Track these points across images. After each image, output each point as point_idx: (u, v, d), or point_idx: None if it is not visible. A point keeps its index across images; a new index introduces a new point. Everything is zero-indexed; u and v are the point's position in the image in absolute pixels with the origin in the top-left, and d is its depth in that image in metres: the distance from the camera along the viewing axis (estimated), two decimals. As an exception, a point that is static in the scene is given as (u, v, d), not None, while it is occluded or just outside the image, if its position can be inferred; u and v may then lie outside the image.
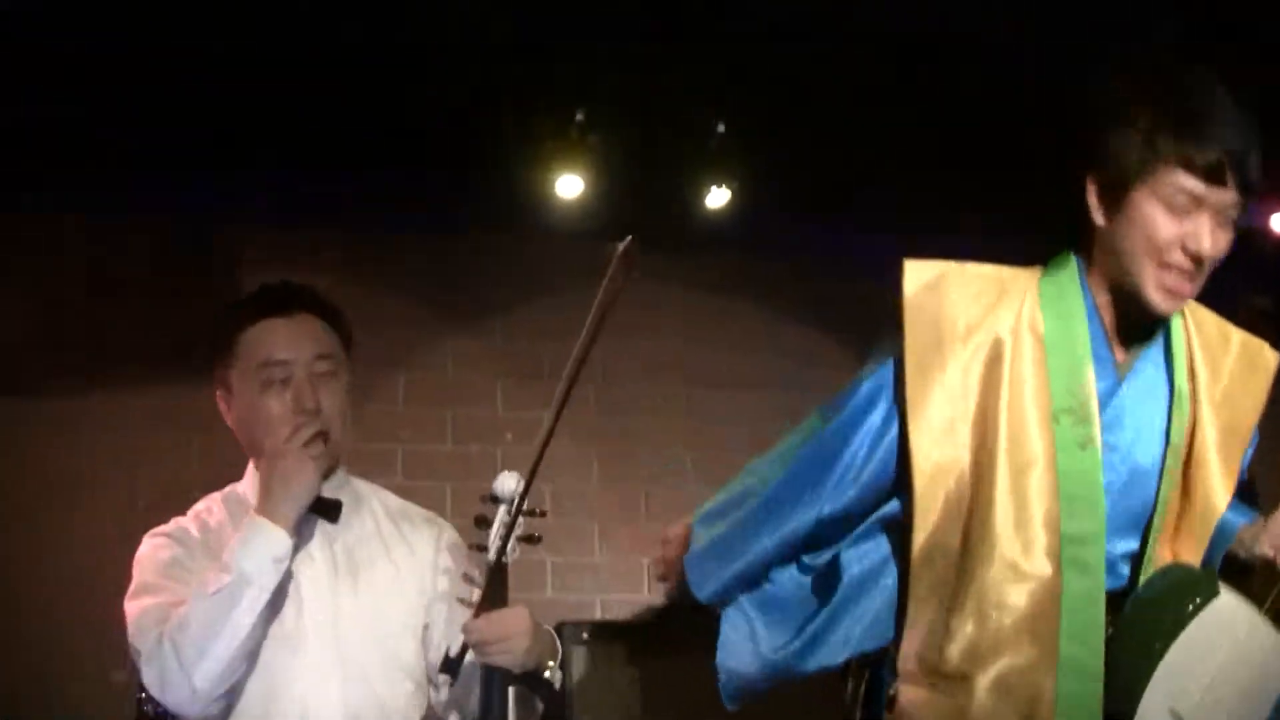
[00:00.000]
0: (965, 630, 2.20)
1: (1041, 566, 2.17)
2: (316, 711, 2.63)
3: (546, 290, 5.18)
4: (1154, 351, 2.30)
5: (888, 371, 2.48)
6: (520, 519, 2.56)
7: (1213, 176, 2.10)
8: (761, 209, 5.03)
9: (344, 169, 4.74)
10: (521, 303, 5.15)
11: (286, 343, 2.74)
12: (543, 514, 2.66)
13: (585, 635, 4.39)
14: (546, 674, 2.66)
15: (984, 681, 2.17)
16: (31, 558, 4.65)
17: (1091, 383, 2.22)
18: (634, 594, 5.11)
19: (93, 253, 4.95)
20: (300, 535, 2.69)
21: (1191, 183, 2.10)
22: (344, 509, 2.78)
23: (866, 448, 2.40)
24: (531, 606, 4.51)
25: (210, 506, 2.82)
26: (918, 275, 2.42)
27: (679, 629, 4.54)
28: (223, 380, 2.77)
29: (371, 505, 2.90)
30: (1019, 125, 4.91)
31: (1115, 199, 2.17)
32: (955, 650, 2.20)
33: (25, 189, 4.70)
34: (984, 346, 2.30)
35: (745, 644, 2.58)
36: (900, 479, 2.33)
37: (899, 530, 2.34)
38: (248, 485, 2.82)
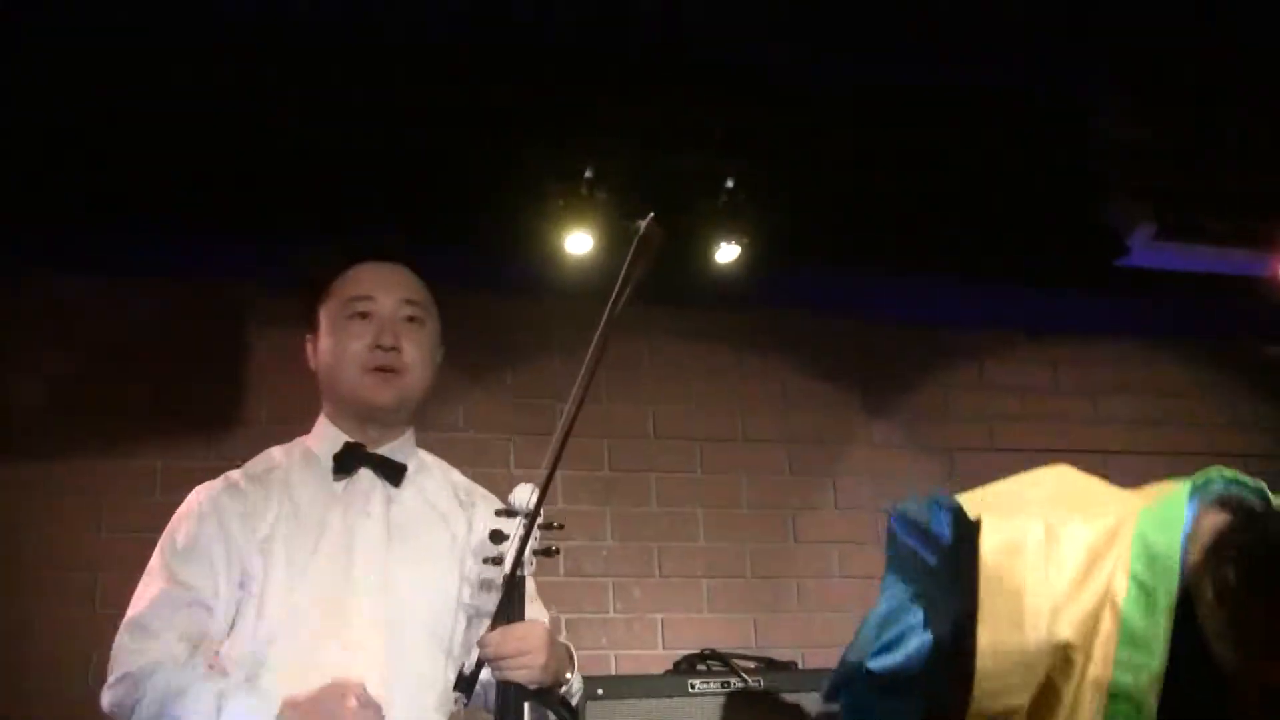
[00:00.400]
0: None
1: None
2: (356, 672, 2.59)
3: (558, 348, 5.20)
4: None
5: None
6: (537, 531, 2.57)
7: None
8: (771, 264, 5.04)
9: (351, 229, 4.76)
10: (533, 360, 5.16)
11: (375, 282, 2.87)
12: (560, 526, 2.70)
13: (600, 691, 4.38)
14: (563, 689, 2.65)
15: None
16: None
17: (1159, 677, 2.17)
18: (647, 649, 5.09)
19: (93, 313, 4.95)
20: (363, 492, 2.78)
21: None
22: (407, 473, 2.85)
23: None
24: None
25: (273, 456, 2.88)
26: (997, 535, 2.34)
27: (692, 685, 4.55)
28: (313, 319, 2.89)
29: (434, 475, 2.96)
30: (1026, 178, 4.98)
31: None
32: None
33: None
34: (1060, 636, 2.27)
35: None
36: None
37: None
38: (316, 437, 2.89)
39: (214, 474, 4.66)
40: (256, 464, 2.87)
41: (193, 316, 4.99)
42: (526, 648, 2.52)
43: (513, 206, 4.63)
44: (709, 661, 4.57)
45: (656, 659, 5.02)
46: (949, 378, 5.79)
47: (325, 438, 2.87)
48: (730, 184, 4.66)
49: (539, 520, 2.57)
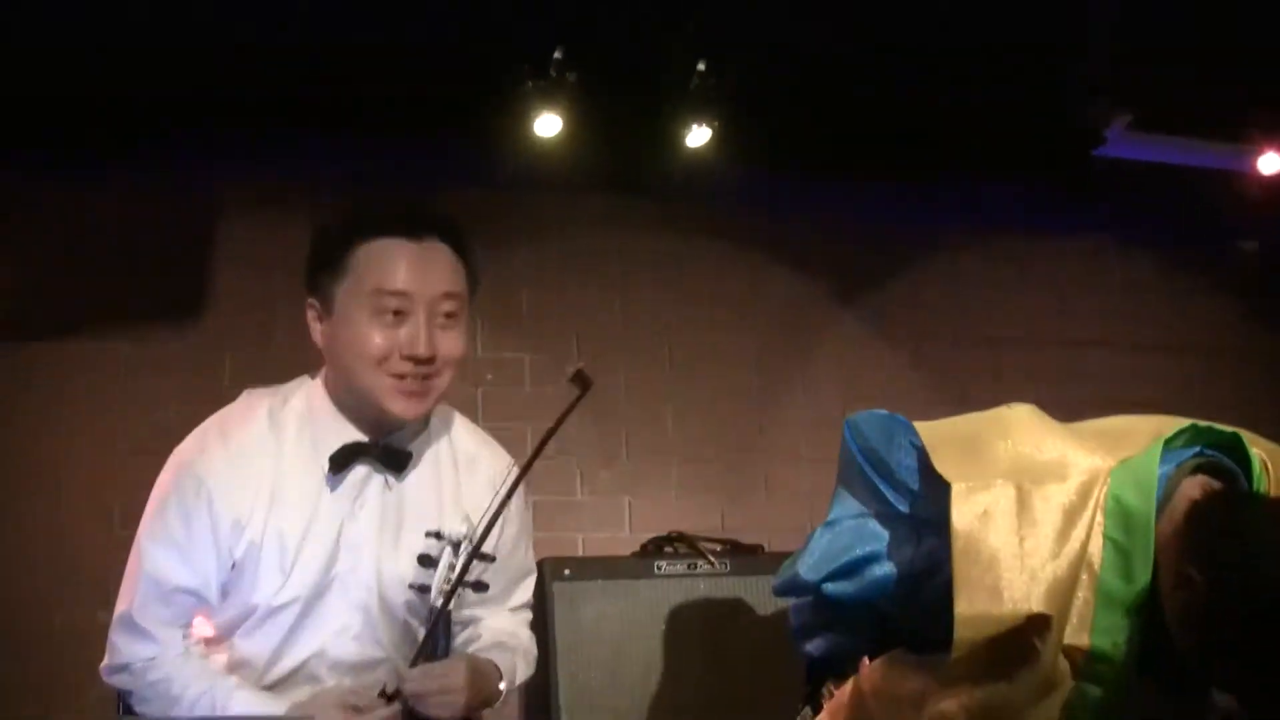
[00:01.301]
0: None
1: None
2: (331, 658, 2.63)
3: (525, 235, 5.18)
4: None
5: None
6: (471, 563, 2.47)
7: None
8: (742, 155, 5.01)
9: (318, 124, 4.73)
10: (501, 247, 5.13)
11: (410, 273, 2.52)
12: (492, 558, 2.54)
13: (567, 572, 4.40)
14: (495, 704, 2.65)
15: None
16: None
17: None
18: (615, 532, 5.12)
19: (68, 205, 4.90)
20: (359, 482, 2.66)
21: None
22: (409, 462, 2.69)
23: None
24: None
25: (283, 402, 2.68)
26: (969, 503, 2.30)
27: (659, 566, 4.58)
28: (323, 293, 2.57)
29: (440, 453, 2.77)
30: (1001, 70, 4.95)
31: None
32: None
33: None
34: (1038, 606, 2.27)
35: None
36: None
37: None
38: (318, 423, 2.67)
39: (179, 360, 4.72)
40: (254, 422, 2.65)
41: (159, 204, 4.95)
42: (448, 686, 2.48)
43: (481, 88, 4.58)
44: (675, 544, 4.59)
45: (623, 542, 5.05)
46: (919, 270, 5.79)
47: (328, 429, 2.65)
48: (702, 67, 4.61)
49: (474, 551, 2.48)
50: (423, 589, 2.48)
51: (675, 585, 4.47)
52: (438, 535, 2.49)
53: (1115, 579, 2.18)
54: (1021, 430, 2.43)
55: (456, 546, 2.48)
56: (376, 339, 2.50)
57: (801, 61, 4.76)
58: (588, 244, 5.36)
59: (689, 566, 4.50)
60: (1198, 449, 2.29)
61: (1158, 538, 2.17)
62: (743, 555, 4.56)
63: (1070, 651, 2.19)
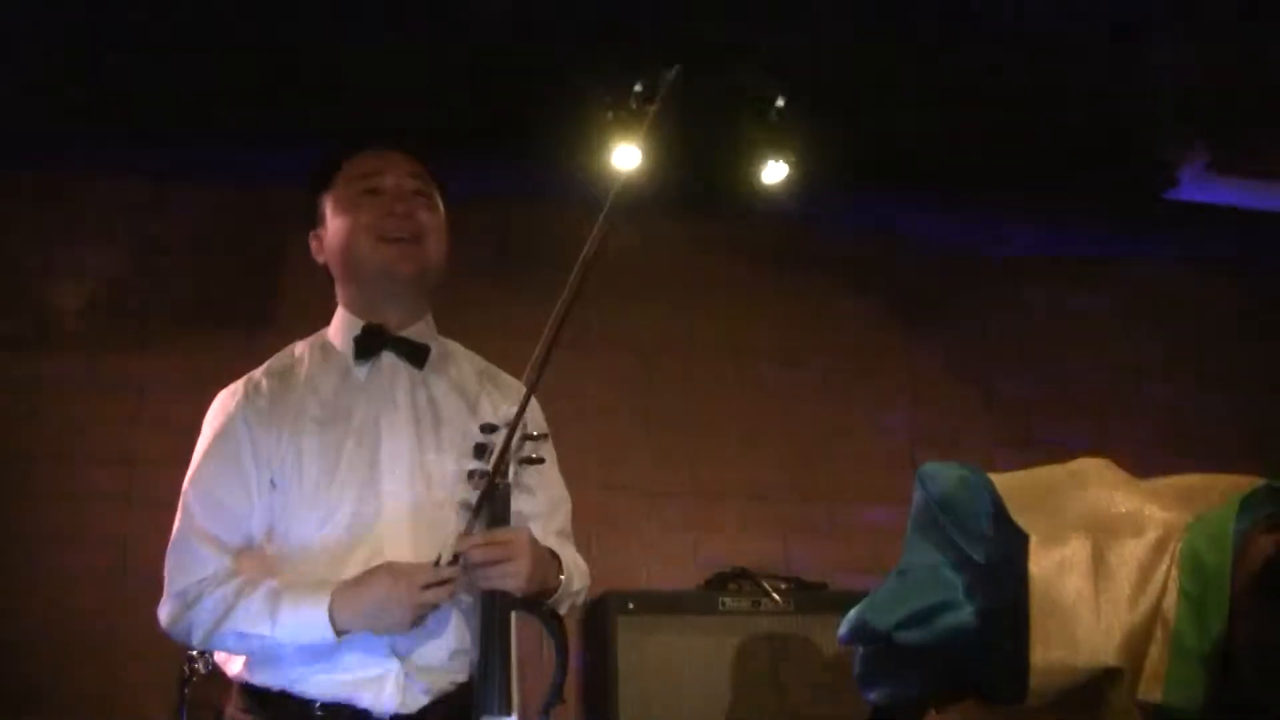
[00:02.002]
0: None
1: None
2: (390, 554, 2.61)
3: (600, 261, 5.18)
4: None
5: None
6: (520, 439, 2.50)
7: None
8: (816, 183, 5.01)
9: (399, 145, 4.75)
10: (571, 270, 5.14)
11: (379, 162, 2.83)
12: (544, 436, 2.65)
13: (631, 605, 4.41)
14: (550, 600, 2.62)
15: None
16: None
17: None
18: (680, 566, 5.12)
19: (135, 216, 4.97)
20: (387, 378, 2.76)
21: None
22: (431, 356, 2.80)
23: None
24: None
25: (292, 352, 2.85)
26: (1047, 555, 2.34)
27: (723, 602, 4.58)
28: (318, 212, 2.85)
29: (458, 360, 2.91)
30: (1076, 106, 4.93)
31: None
32: None
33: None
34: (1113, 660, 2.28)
35: None
36: None
37: None
38: (335, 329, 2.85)
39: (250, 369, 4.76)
40: (278, 360, 2.83)
41: (233, 220, 5.00)
42: (510, 554, 2.48)
43: (560, 119, 4.59)
44: (739, 580, 4.59)
45: (688, 575, 5.05)
46: (988, 302, 5.77)
47: (344, 326, 2.83)
48: (780, 103, 4.61)
49: (522, 430, 2.51)
50: (482, 474, 2.49)
51: (739, 621, 4.48)
52: (491, 428, 2.52)
53: (1190, 631, 2.17)
54: (1097, 484, 2.43)
55: (507, 428, 2.50)
56: (363, 208, 2.76)
57: (875, 90, 4.76)
58: (657, 269, 5.36)
59: (753, 603, 4.50)
60: (1274, 508, 2.27)
61: (1233, 591, 2.16)
62: (807, 592, 4.56)
63: (1144, 706, 2.18)
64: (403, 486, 2.68)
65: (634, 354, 5.28)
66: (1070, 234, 5.76)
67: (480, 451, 2.49)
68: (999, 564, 2.42)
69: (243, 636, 2.56)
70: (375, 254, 2.75)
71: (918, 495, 2.63)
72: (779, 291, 5.51)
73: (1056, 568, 2.25)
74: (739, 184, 4.89)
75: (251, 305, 4.80)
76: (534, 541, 2.56)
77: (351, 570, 2.58)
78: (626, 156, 4.60)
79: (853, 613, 2.68)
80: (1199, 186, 5.29)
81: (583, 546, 4.85)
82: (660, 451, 5.21)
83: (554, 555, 2.67)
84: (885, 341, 5.56)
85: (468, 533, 2.49)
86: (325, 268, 2.88)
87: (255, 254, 4.92)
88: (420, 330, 2.84)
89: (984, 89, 4.81)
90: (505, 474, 2.49)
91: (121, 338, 4.85)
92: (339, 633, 2.50)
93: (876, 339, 5.55)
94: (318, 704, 2.57)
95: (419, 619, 2.53)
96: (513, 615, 2.51)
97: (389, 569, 2.50)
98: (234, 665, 2.67)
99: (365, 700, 2.58)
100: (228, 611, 2.55)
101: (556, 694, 2.43)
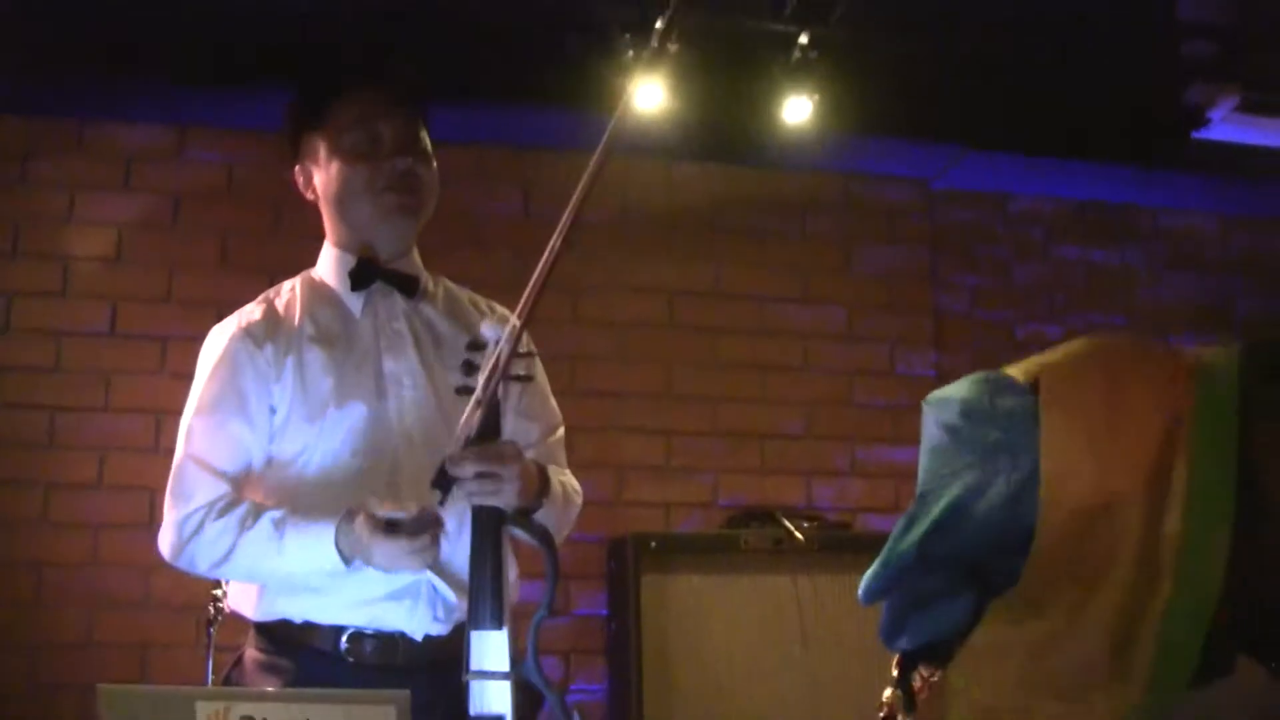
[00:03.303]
0: None
1: None
2: (403, 474, 2.62)
3: (619, 201, 5.18)
4: None
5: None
6: (511, 357, 2.45)
7: None
8: (840, 126, 4.96)
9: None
10: (594, 212, 5.12)
11: (376, 107, 2.79)
12: (532, 354, 2.65)
13: (653, 545, 4.41)
14: (540, 514, 2.60)
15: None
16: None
17: None
18: (702, 506, 5.11)
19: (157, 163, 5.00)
20: (382, 306, 2.78)
21: None
22: (420, 286, 2.82)
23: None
24: (600, 514, 4.57)
25: (280, 289, 2.84)
26: (1056, 388, 2.32)
27: (745, 541, 4.57)
28: (307, 148, 2.83)
29: (445, 286, 2.93)
30: (1105, 49, 4.87)
31: None
32: None
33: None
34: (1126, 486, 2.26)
35: None
36: None
37: None
38: (324, 267, 2.86)
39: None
40: (268, 295, 2.83)
41: (256, 167, 5.00)
42: (499, 469, 2.45)
43: (580, 57, 4.56)
44: (762, 520, 4.58)
45: (710, 517, 5.05)
46: (1015, 248, 5.73)
47: (335, 262, 2.83)
48: (804, 40, 4.56)
49: (514, 348, 2.46)
50: (468, 390, 2.45)
51: (761, 561, 4.46)
52: (478, 345, 2.48)
53: (1208, 461, 2.13)
54: (1107, 343, 2.40)
55: (496, 345, 2.46)
56: (362, 163, 2.74)
57: (901, 32, 4.71)
58: (680, 214, 5.35)
59: (775, 543, 4.49)
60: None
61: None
62: (829, 532, 4.55)
63: (1166, 540, 2.13)
64: (409, 402, 2.69)
65: (657, 298, 5.26)
66: (1100, 181, 5.70)
67: (469, 369, 2.46)
68: (1014, 426, 2.38)
69: (251, 569, 2.58)
70: (374, 207, 2.76)
71: (925, 424, 2.58)
72: (805, 237, 5.48)
73: (1073, 389, 2.22)
74: (762, 125, 4.85)
75: (275, 253, 4.79)
76: (523, 457, 2.55)
77: (366, 484, 2.58)
78: (648, 96, 4.57)
79: (869, 571, 2.64)
80: (1230, 126, 5.22)
81: (606, 488, 4.91)
82: (682, 394, 5.21)
83: (543, 474, 2.66)
84: (911, 286, 5.53)
85: (456, 449, 2.46)
86: (313, 203, 2.89)
87: (278, 201, 4.92)
88: (409, 263, 2.86)
89: (1013, 31, 4.75)
90: (495, 391, 2.46)
91: (145, 287, 4.87)
92: (347, 560, 2.50)
93: (902, 284, 5.52)
94: (345, 633, 2.57)
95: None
96: (503, 531, 2.49)
97: (368, 526, 2.48)
98: (251, 603, 2.66)
99: (396, 620, 2.58)
100: (232, 544, 2.56)
101: (547, 608, 2.42)
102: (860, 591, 2.58)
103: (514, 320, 2.46)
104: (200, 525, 2.57)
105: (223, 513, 2.58)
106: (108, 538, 4.67)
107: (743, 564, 4.50)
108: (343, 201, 2.78)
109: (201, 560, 2.59)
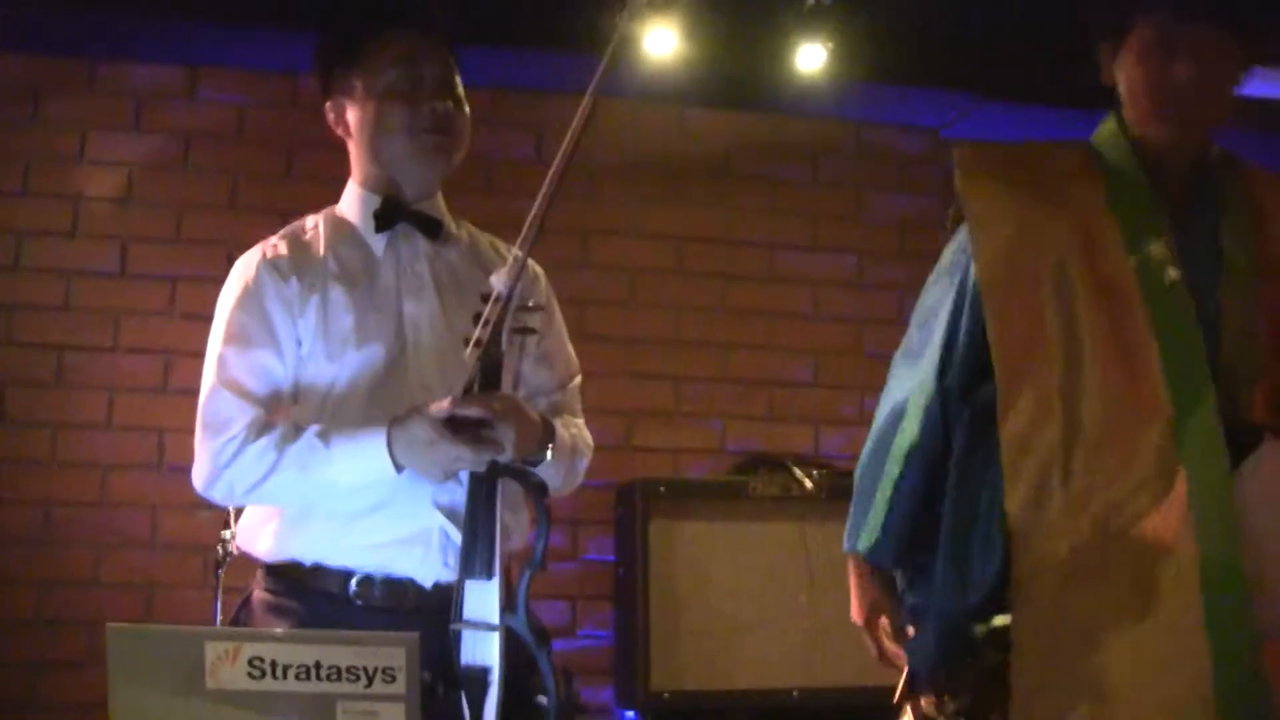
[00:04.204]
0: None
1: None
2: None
3: (631, 147, 5.16)
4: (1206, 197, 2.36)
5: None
6: (513, 310, 2.47)
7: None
8: (853, 74, 4.94)
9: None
10: (607, 157, 5.11)
11: (418, 48, 2.78)
12: (539, 307, 2.66)
13: (661, 490, 4.41)
14: (540, 466, 2.59)
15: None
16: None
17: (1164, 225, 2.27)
18: (711, 453, 5.12)
19: (167, 103, 5.00)
20: (405, 247, 2.76)
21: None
22: (444, 229, 2.81)
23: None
24: (609, 460, 4.58)
25: (304, 224, 2.82)
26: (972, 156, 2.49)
27: (753, 488, 4.58)
28: (344, 86, 2.79)
29: (472, 233, 2.92)
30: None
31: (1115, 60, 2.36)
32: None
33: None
34: (1045, 197, 2.34)
35: None
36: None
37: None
38: (348, 206, 2.83)
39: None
40: (290, 230, 2.80)
41: (267, 109, 4.99)
42: (496, 418, 2.45)
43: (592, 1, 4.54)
44: (771, 466, 4.58)
45: (718, 461, 5.05)
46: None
47: (359, 201, 2.81)
48: (817, -12, 4.54)
49: (515, 302, 2.48)
50: (476, 341, 2.45)
51: (769, 507, 4.47)
52: (489, 296, 2.48)
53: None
54: None
55: (499, 297, 2.46)
56: (401, 102, 2.72)
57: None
58: (693, 157, 5.33)
59: (783, 489, 4.49)
60: None
61: None
62: (838, 479, 4.55)
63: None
64: (426, 347, 2.68)
65: (666, 244, 5.25)
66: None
67: (477, 319, 2.46)
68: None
69: (292, 486, 2.54)
70: (412, 146, 2.74)
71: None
72: (815, 184, 5.47)
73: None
74: (775, 72, 4.82)
75: (285, 194, 4.79)
76: (523, 409, 2.55)
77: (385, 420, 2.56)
78: (659, 42, 4.55)
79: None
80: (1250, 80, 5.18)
81: (614, 433, 4.92)
82: (691, 340, 5.21)
83: (547, 425, 2.65)
84: (922, 234, 5.50)
85: (458, 398, 2.47)
86: (340, 133, 2.85)
87: (289, 142, 4.91)
88: (434, 206, 2.84)
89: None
90: (498, 342, 2.46)
91: (155, 227, 4.87)
92: (398, 467, 2.50)
93: (913, 232, 5.49)
94: (354, 577, 2.56)
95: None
96: (498, 481, 2.48)
97: (427, 421, 2.47)
98: (261, 543, 2.65)
99: (406, 565, 2.57)
100: (276, 461, 2.53)
101: (538, 561, 2.44)
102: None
103: (514, 260, 2.47)
104: (239, 450, 2.55)
105: (262, 432, 2.56)
106: (116, 478, 4.68)
107: (750, 511, 4.51)
108: (379, 139, 2.76)
109: (240, 483, 2.56)
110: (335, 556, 2.58)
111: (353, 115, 2.79)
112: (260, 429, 2.57)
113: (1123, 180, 2.33)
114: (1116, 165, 2.35)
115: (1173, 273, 2.21)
